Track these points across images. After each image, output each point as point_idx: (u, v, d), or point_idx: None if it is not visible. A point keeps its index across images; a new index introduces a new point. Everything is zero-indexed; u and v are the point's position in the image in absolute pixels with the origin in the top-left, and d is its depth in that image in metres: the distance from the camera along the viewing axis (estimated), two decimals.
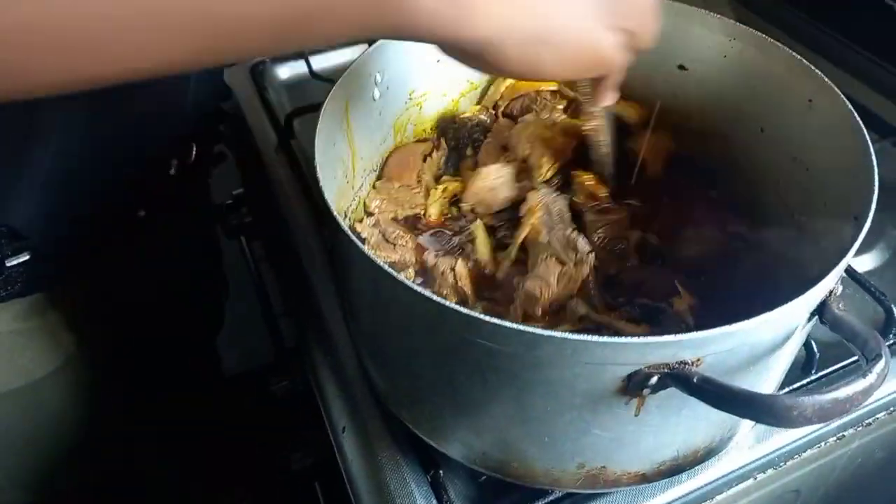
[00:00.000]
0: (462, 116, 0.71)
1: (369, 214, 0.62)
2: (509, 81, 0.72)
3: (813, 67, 0.55)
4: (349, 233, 0.43)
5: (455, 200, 0.65)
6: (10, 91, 0.34)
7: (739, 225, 0.65)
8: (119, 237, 0.66)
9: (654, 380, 0.39)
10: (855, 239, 0.43)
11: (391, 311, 0.46)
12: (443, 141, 0.69)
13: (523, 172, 0.65)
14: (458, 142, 0.70)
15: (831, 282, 0.42)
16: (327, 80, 0.86)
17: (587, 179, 0.63)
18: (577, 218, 0.62)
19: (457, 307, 0.39)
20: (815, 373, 0.60)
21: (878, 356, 0.37)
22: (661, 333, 0.37)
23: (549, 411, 0.43)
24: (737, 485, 0.56)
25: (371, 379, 0.59)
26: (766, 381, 0.48)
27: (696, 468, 0.52)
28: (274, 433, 0.77)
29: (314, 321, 0.67)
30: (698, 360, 0.39)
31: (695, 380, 0.37)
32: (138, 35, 0.33)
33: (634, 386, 0.40)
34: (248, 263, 0.89)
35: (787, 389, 0.59)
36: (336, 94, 0.54)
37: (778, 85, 0.58)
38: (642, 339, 0.37)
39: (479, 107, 0.72)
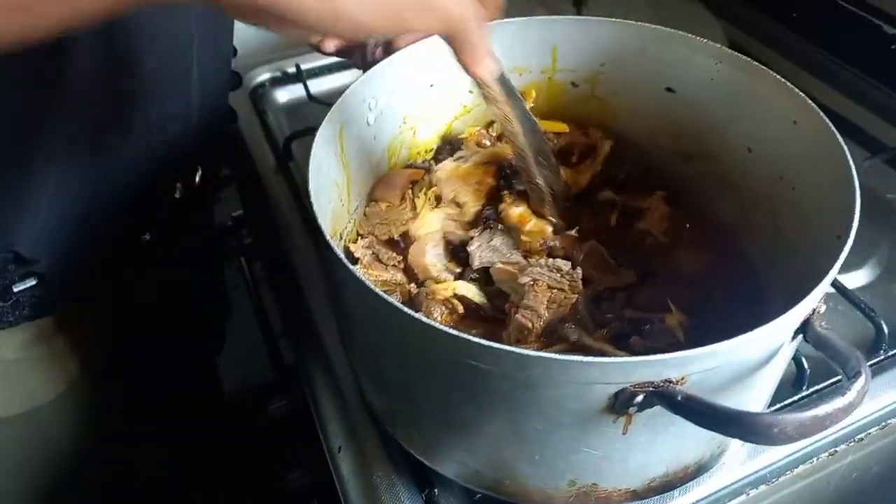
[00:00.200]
0: (461, 137, 0.72)
1: (362, 236, 0.63)
2: None
3: (796, 89, 0.57)
4: (341, 255, 0.44)
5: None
6: None
7: (728, 242, 0.66)
8: (125, 260, 0.67)
9: (639, 398, 0.40)
10: (836, 258, 0.43)
11: (384, 332, 0.47)
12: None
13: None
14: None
15: (813, 301, 0.42)
16: (325, 103, 0.88)
17: (516, 216, 0.63)
18: None
19: (447, 329, 0.40)
20: (806, 389, 0.61)
21: (858, 373, 0.38)
22: (652, 349, 0.38)
23: (540, 430, 0.44)
24: (729, 501, 0.56)
25: (367, 399, 0.60)
26: (753, 398, 0.49)
27: (687, 485, 0.53)
28: (273, 452, 0.77)
29: (312, 342, 0.68)
30: (683, 378, 0.40)
31: (679, 398, 0.38)
32: None
33: (621, 404, 0.41)
34: (248, 284, 0.90)
35: (777, 406, 0.60)
36: (330, 120, 0.55)
37: (763, 106, 0.60)
38: (627, 359, 0.38)
39: (477, 129, 0.73)
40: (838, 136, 0.52)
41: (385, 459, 0.57)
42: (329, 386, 0.64)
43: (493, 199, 0.66)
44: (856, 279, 0.72)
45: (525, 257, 0.60)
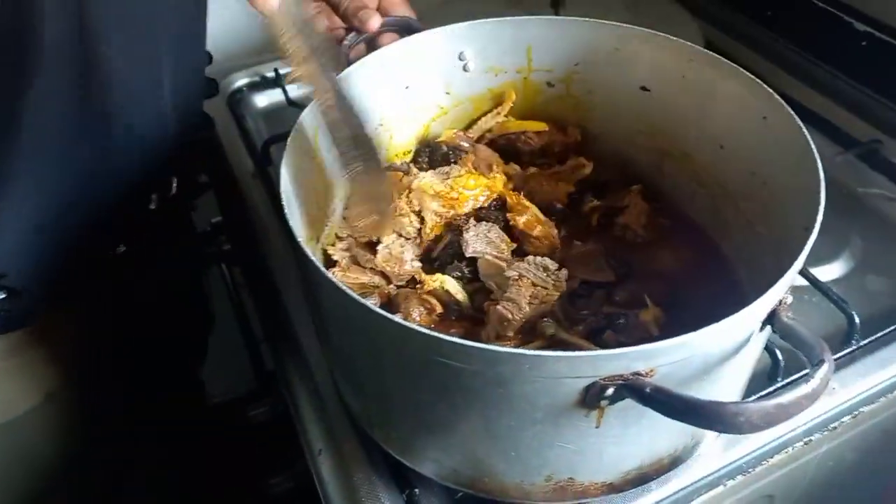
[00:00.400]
0: (439, 140, 0.72)
1: (341, 239, 0.63)
2: (500, 117, 0.73)
3: (765, 86, 0.57)
4: (312, 257, 0.44)
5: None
6: None
7: (705, 239, 0.67)
8: (99, 273, 0.66)
9: (610, 391, 0.40)
10: (801, 250, 0.44)
11: (358, 333, 0.48)
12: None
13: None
14: (433, 164, 0.71)
15: (779, 292, 0.43)
16: (304, 107, 0.88)
17: (522, 223, 0.62)
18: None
19: (418, 328, 0.41)
20: (781, 380, 0.62)
21: (822, 362, 0.38)
22: (625, 343, 0.38)
23: (514, 426, 0.44)
24: (707, 492, 0.57)
25: (345, 400, 0.60)
26: (725, 389, 0.49)
27: (664, 477, 0.54)
28: (255, 457, 0.77)
29: (291, 345, 0.68)
30: (651, 370, 0.40)
31: (647, 390, 0.39)
32: None
33: (592, 398, 0.41)
34: (229, 290, 0.90)
35: (754, 397, 0.60)
36: (303, 124, 0.55)
37: (734, 103, 0.60)
38: (595, 353, 0.39)
39: (453, 131, 0.73)
40: (806, 131, 0.53)
41: (365, 461, 0.57)
42: (308, 389, 0.64)
43: (453, 230, 0.64)
44: (829, 272, 0.73)
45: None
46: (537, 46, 0.69)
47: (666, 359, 0.40)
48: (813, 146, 0.52)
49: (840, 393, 0.61)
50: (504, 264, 0.59)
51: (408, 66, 0.66)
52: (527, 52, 0.69)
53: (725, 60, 0.61)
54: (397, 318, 0.43)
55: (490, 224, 0.63)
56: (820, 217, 0.47)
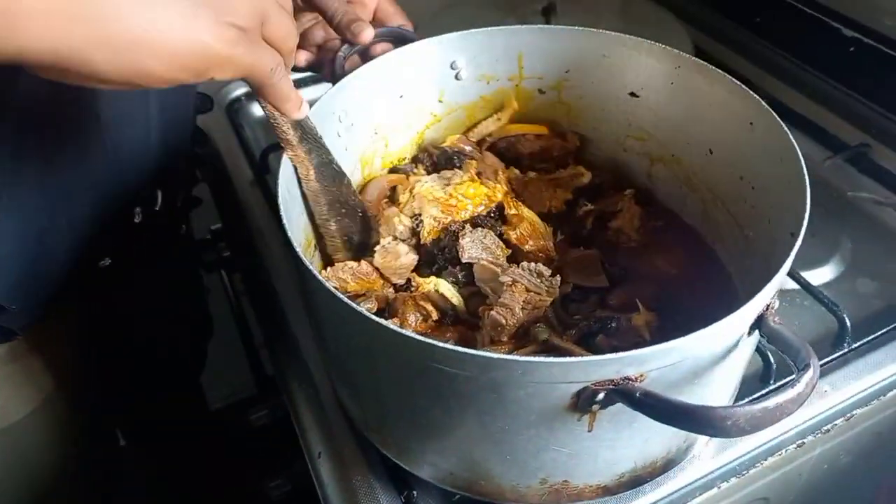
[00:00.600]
0: (443, 145, 0.73)
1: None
2: (502, 122, 0.74)
3: (751, 92, 0.58)
4: (309, 265, 0.45)
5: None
6: None
7: (698, 243, 0.68)
8: (84, 286, 0.66)
9: (601, 396, 0.41)
10: (787, 255, 0.45)
11: (355, 339, 0.49)
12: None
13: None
14: (437, 168, 0.72)
15: (766, 297, 0.44)
16: None
17: (514, 238, 0.63)
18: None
19: (413, 334, 0.41)
20: (774, 383, 0.62)
21: (807, 366, 0.39)
22: (617, 348, 0.39)
23: (508, 430, 0.45)
24: (701, 494, 0.58)
25: (343, 405, 0.61)
26: (716, 393, 0.50)
27: (658, 479, 0.55)
28: (255, 460, 0.78)
29: (290, 351, 0.69)
30: (642, 375, 0.41)
31: (637, 394, 0.40)
32: None
33: (584, 402, 0.42)
34: (229, 297, 0.91)
35: (746, 401, 0.61)
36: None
37: (721, 109, 0.61)
38: (586, 358, 0.40)
39: (458, 136, 0.74)
40: (791, 137, 0.54)
41: (363, 464, 0.58)
42: (307, 394, 0.65)
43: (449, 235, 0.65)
44: (820, 275, 0.74)
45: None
46: (528, 54, 0.70)
47: (655, 364, 0.41)
48: (798, 152, 0.53)
49: (832, 396, 0.62)
50: (499, 270, 0.60)
51: (401, 76, 0.67)
52: (518, 60, 0.70)
53: (712, 67, 0.62)
54: (392, 324, 0.44)
55: (486, 230, 0.64)
56: (805, 222, 0.48)
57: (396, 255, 0.61)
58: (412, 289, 0.61)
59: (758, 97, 0.58)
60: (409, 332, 0.41)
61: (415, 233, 0.64)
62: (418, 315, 0.60)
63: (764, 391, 0.62)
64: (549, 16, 1.04)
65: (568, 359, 0.40)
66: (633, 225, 0.69)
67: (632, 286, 0.63)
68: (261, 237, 0.79)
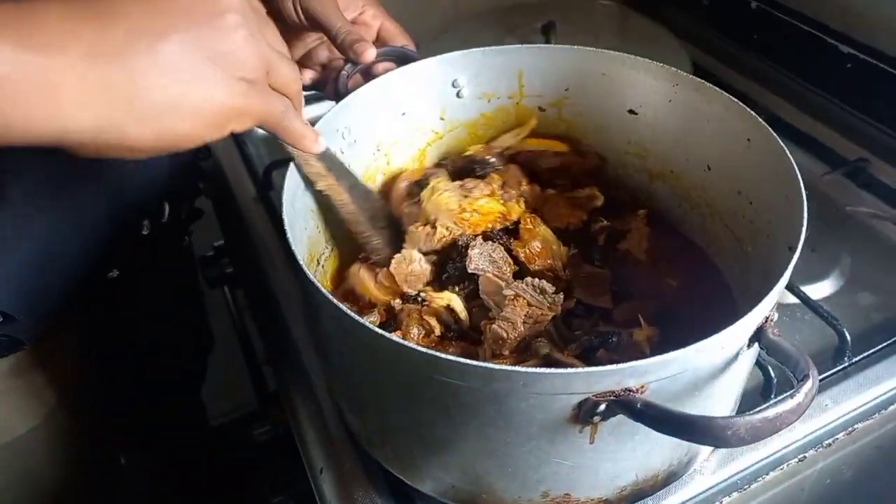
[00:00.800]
0: (466, 154, 0.73)
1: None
2: (521, 136, 0.74)
3: (748, 109, 0.59)
4: (313, 278, 0.45)
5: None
6: None
7: (699, 259, 0.68)
8: (93, 298, 0.67)
9: (602, 407, 0.41)
10: (785, 269, 0.46)
11: (358, 352, 0.49)
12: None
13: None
14: (460, 175, 0.72)
15: (765, 309, 0.44)
16: None
17: (522, 256, 0.64)
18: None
19: (416, 346, 0.42)
20: (774, 397, 0.63)
21: (806, 377, 0.40)
22: (619, 361, 0.40)
23: (510, 442, 0.46)
24: None
25: (346, 419, 0.61)
26: (716, 404, 0.51)
27: (659, 493, 0.55)
28: (258, 476, 0.78)
29: (293, 366, 0.69)
30: (642, 386, 0.41)
31: (638, 405, 0.40)
32: None
33: (585, 414, 0.42)
34: (231, 312, 0.92)
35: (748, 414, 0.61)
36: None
37: (719, 126, 0.62)
38: (587, 369, 0.40)
39: (483, 146, 0.74)
40: (787, 152, 0.55)
41: (365, 479, 0.58)
42: (310, 410, 0.65)
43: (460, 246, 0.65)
44: (820, 290, 0.75)
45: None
46: (528, 73, 0.71)
47: (656, 375, 0.41)
48: (795, 167, 0.54)
49: (833, 410, 0.62)
50: (503, 283, 0.61)
51: (404, 94, 0.68)
52: (518, 79, 0.71)
53: (709, 84, 0.63)
54: (396, 336, 0.45)
55: (496, 244, 0.64)
56: (803, 236, 0.48)
57: (410, 261, 0.62)
58: (424, 302, 0.61)
59: (754, 114, 0.59)
60: (412, 344, 0.42)
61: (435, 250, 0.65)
62: (421, 329, 0.60)
63: (765, 405, 0.62)
64: (549, 34, 1.05)
65: (569, 370, 0.40)
66: (641, 247, 0.69)
67: (634, 302, 0.64)
68: (264, 253, 0.80)
